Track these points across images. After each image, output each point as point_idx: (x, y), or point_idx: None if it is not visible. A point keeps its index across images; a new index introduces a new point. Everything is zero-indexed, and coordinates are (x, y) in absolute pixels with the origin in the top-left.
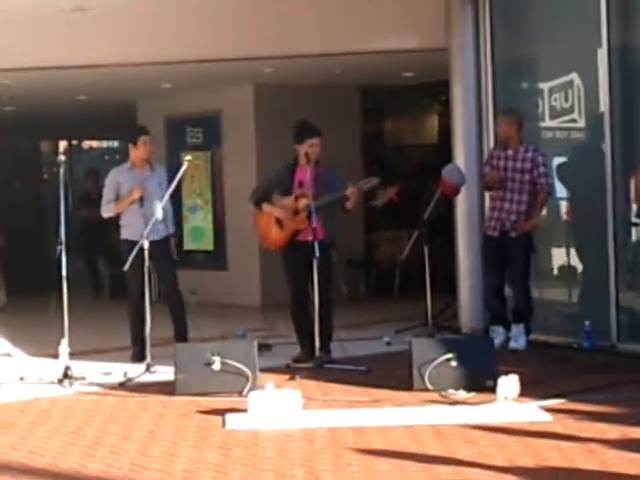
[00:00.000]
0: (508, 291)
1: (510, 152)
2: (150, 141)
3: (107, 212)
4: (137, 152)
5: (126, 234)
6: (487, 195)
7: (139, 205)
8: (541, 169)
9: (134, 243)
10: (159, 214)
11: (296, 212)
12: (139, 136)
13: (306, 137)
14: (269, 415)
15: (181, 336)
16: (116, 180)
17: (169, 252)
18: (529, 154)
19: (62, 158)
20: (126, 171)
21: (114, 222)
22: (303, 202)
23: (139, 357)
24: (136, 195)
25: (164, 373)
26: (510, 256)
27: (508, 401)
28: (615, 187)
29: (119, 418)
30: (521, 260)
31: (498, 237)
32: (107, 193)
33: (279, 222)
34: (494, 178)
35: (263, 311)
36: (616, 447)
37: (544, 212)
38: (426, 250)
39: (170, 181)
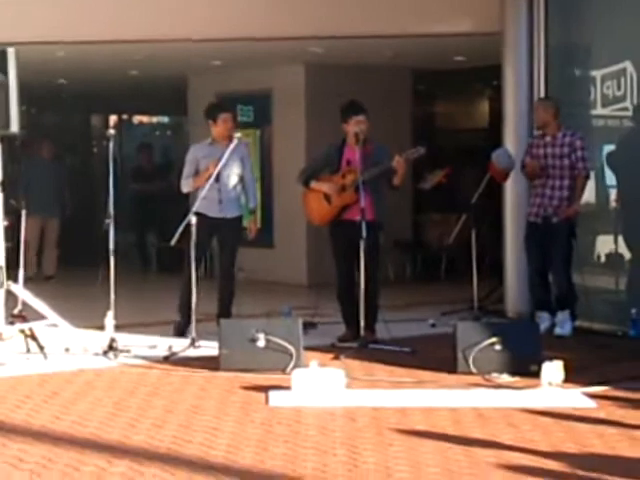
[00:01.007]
0: (551, 277)
1: (548, 138)
2: (230, 118)
3: (186, 187)
4: (217, 129)
5: (201, 208)
6: None
7: (215, 180)
8: (579, 153)
9: (207, 218)
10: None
11: (343, 188)
12: (219, 113)
13: (351, 114)
14: (312, 393)
15: (222, 316)
16: (195, 156)
17: (237, 232)
18: (567, 139)
19: (112, 132)
20: (206, 146)
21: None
22: (350, 178)
23: (181, 330)
24: (212, 169)
25: (209, 348)
26: (552, 242)
27: (552, 386)
28: None
29: (163, 391)
30: (563, 246)
31: (541, 223)
32: (187, 169)
33: (327, 198)
34: (534, 167)
35: (309, 289)
36: None
37: (591, 198)
38: (474, 234)
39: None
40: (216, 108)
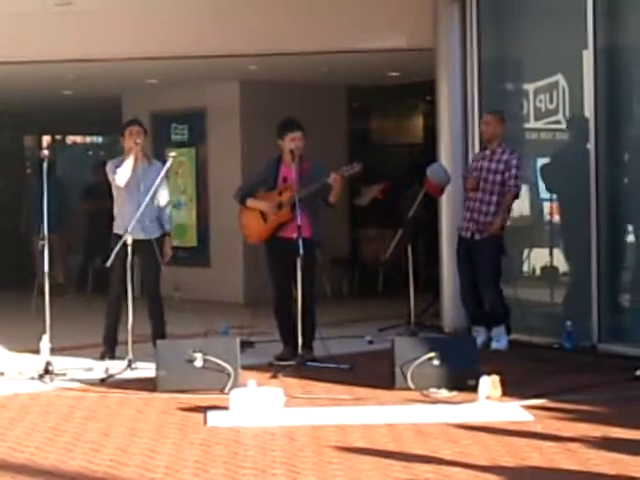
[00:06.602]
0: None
1: (488, 152)
2: (137, 131)
3: (124, 174)
4: (125, 143)
5: (116, 228)
6: None
7: (130, 199)
8: (513, 171)
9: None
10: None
11: (280, 206)
12: (126, 127)
13: (287, 131)
14: (251, 413)
15: (157, 337)
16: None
17: (157, 253)
18: (504, 156)
19: (46, 153)
20: (121, 162)
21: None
22: (287, 195)
23: (105, 357)
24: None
25: (145, 370)
26: (478, 258)
27: (490, 400)
28: (599, 188)
29: (100, 414)
30: (489, 262)
31: (469, 238)
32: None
33: (263, 216)
34: (473, 182)
35: (246, 308)
36: (597, 447)
37: (525, 211)
38: (409, 249)
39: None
40: (125, 124)
